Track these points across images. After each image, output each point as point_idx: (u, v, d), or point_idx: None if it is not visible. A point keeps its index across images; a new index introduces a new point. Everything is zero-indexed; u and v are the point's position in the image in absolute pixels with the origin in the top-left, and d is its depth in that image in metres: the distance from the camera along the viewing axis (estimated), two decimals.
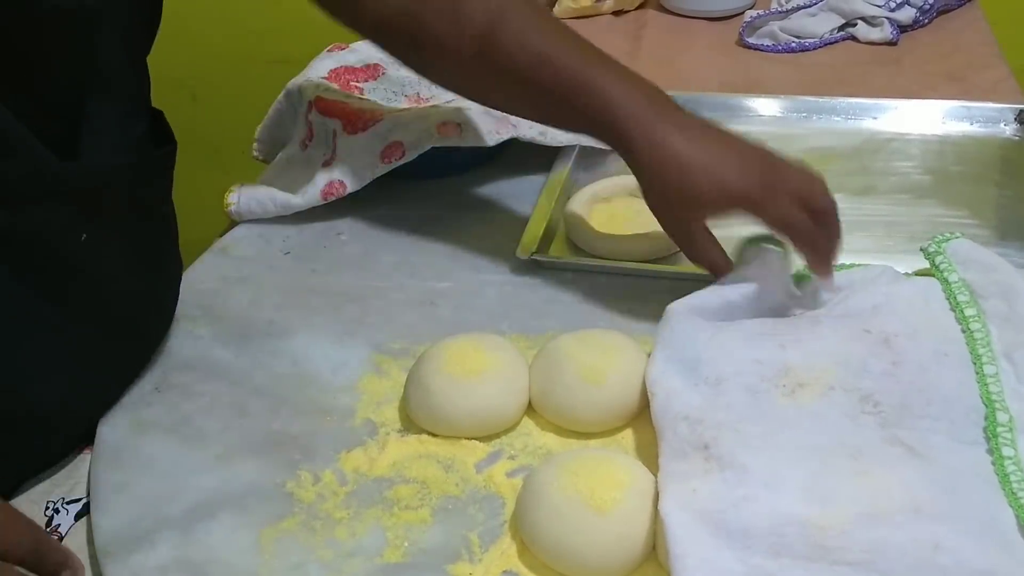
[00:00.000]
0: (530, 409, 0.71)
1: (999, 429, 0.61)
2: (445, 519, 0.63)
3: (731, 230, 0.75)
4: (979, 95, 1.10)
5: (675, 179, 0.71)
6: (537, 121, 0.80)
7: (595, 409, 0.68)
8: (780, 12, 1.29)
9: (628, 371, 0.68)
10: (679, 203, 0.72)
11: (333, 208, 0.92)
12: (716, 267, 0.73)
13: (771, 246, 0.74)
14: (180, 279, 0.81)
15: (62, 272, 0.66)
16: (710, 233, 0.73)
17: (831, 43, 1.25)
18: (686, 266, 0.82)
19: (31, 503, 0.67)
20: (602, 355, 0.69)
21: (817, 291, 0.74)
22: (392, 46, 0.80)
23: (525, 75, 0.74)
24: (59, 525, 0.66)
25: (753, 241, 0.75)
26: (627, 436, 0.69)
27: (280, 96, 1.02)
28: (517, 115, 0.82)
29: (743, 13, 1.32)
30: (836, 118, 1.06)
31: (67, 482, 0.69)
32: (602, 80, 0.72)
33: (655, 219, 0.90)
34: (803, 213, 0.70)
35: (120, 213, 0.68)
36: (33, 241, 0.63)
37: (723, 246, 0.75)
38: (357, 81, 1.01)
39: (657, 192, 0.73)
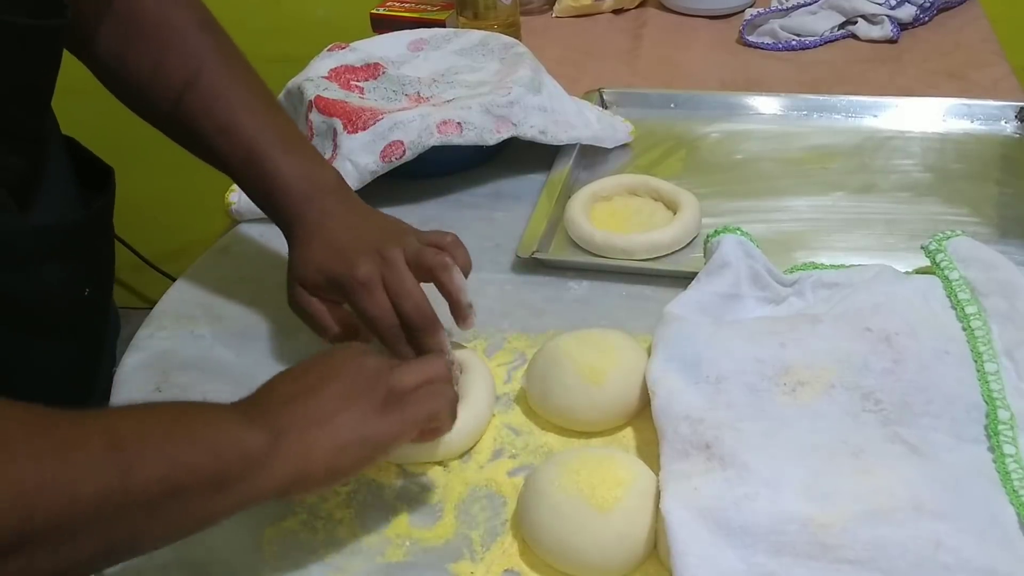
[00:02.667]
0: (530, 409, 0.71)
1: (1000, 427, 0.61)
2: (446, 518, 0.64)
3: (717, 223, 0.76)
4: (980, 93, 1.10)
5: (317, 256, 0.71)
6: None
7: (595, 408, 0.68)
8: (780, 10, 1.29)
9: (628, 370, 0.68)
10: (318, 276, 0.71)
11: None
12: (320, 332, 0.72)
13: (728, 234, 0.75)
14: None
15: None
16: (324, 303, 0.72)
17: (831, 41, 1.25)
18: (686, 266, 0.82)
19: None
20: (602, 355, 0.69)
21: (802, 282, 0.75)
22: (107, 85, 0.79)
23: (207, 142, 0.75)
24: None
25: (714, 234, 0.76)
26: (628, 435, 0.69)
27: (280, 95, 1.02)
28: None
29: (743, 11, 1.32)
30: (836, 116, 1.06)
31: None
32: (273, 157, 0.73)
33: (655, 218, 0.90)
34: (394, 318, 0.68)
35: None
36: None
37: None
38: (357, 80, 1.01)
39: (294, 263, 0.72)
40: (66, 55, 0.76)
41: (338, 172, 0.77)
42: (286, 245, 0.78)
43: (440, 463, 0.67)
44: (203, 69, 0.75)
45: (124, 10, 0.76)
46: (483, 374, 0.71)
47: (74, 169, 0.80)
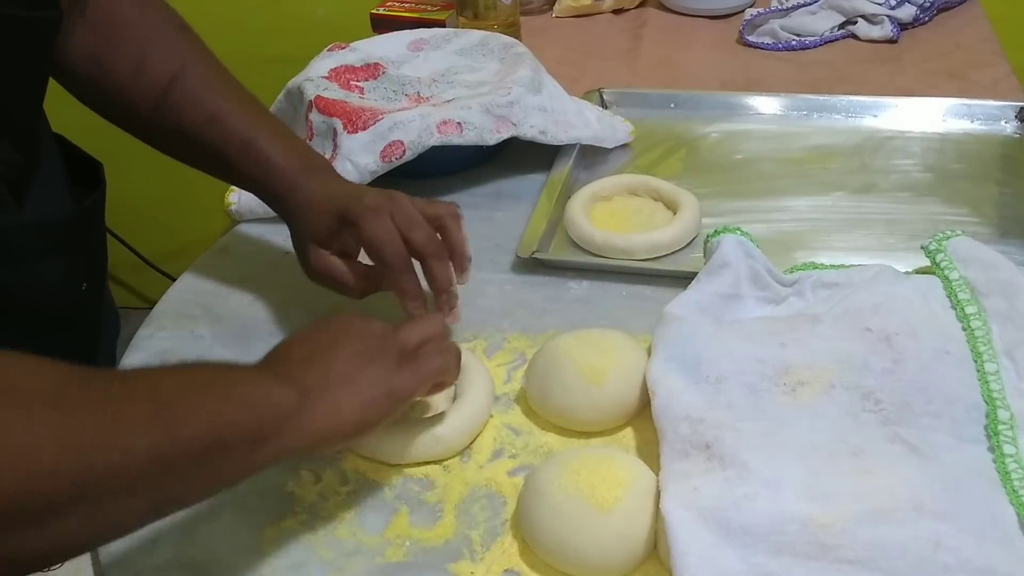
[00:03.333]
0: (530, 409, 0.71)
1: (1000, 427, 0.61)
2: (446, 518, 0.64)
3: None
4: (980, 93, 1.10)
5: (324, 205, 0.73)
6: (215, 176, 0.80)
7: (595, 408, 0.68)
8: (780, 10, 1.29)
9: (628, 370, 0.68)
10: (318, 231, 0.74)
11: None
12: (344, 286, 0.75)
13: (728, 234, 0.75)
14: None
15: None
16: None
17: (831, 41, 1.25)
18: (686, 266, 0.82)
19: None
20: (602, 355, 0.69)
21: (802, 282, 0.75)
22: (80, 92, 0.79)
23: (196, 133, 0.76)
24: None
25: (714, 234, 0.76)
26: (628, 435, 0.69)
27: (280, 95, 1.02)
28: (197, 168, 0.81)
29: (743, 11, 1.32)
30: (836, 116, 1.06)
31: None
32: (263, 142, 0.75)
33: (655, 218, 0.90)
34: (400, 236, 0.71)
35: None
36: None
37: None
38: (357, 80, 1.01)
39: (302, 227, 0.75)
40: None
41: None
42: (286, 245, 0.78)
43: (439, 463, 0.67)
44: (187, 64, 0.77)
45: (100, 15, 0.76)
46: (481, 373, 0.71)
47: (66, 167, 0.81)
